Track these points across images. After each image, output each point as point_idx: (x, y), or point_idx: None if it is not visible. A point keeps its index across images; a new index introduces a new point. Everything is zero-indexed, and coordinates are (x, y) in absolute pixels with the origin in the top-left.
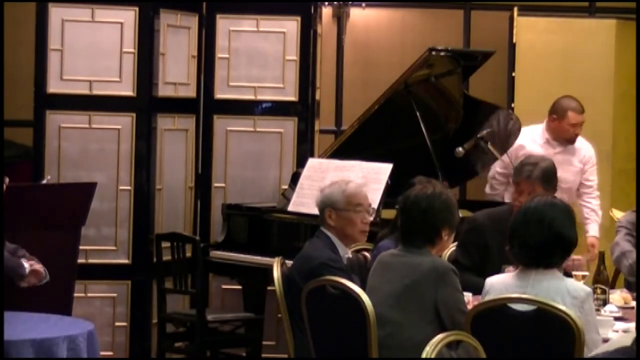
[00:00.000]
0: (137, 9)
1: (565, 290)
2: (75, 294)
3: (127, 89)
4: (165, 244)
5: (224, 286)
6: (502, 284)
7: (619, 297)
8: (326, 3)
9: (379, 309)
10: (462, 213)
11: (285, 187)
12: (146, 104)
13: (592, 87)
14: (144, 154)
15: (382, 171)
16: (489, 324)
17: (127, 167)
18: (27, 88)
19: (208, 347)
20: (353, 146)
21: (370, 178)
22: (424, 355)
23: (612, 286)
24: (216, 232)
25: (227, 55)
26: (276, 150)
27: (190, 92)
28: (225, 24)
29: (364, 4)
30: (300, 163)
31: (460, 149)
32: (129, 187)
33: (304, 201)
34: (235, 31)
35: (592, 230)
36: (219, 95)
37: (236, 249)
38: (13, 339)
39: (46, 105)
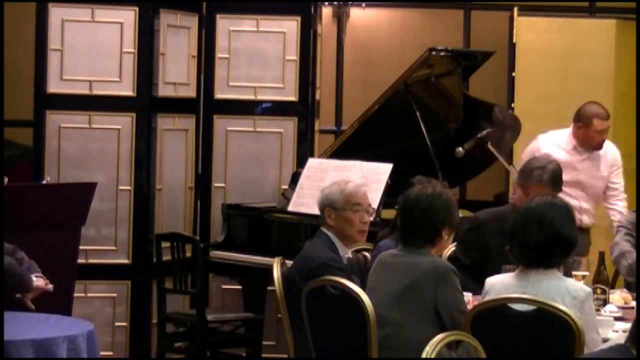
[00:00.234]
0: (137, 9)
1: (565, 290)
2: (75, 294)
3: (127, 89)
4: (165, 244)
5: (224, 286)
6: (502, 284)
7: (619, 297)
8: (326, 3)
9: (379, 309)
10: (462, 213)
11: (285, 187)
12: (146, 104)
13: (592, 87)
14: (144, 154)
15: (382, 171)
16: (489, 324)
17: (127, 167)
18: (27, 88)
19: (208, 347)
20: (353, 146)
21: (370, 178)
22: (424, 355)
23: (612, 286)
24: (216, 232)
25: (227, 55)
26: (276, 150)
27: (190, 92)
28: (225, 24)
29: (364, 4)
30: (300, 163)
31: (460, 149)
32: (129, 187)
33: (304, 201)
34: (235, 31)
35: None
36: (219, 95)
37: (236, 249)
38: (13, 339)
39: (46, 105)
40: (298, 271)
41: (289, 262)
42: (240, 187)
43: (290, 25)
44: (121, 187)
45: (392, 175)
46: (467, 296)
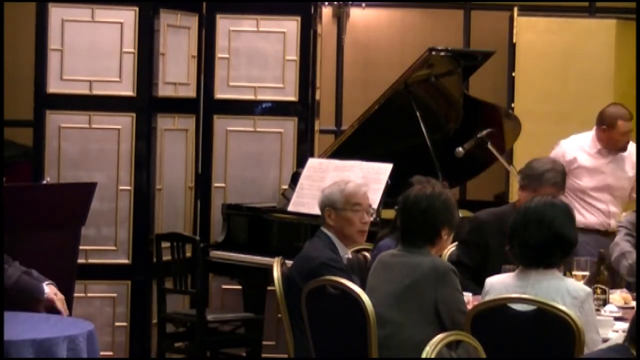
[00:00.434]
0: (137, 9)
1: (565, 290)
2: (75, 294)
3: (127, 89)
4: (165, 244)
5: (224, 286)
6: (502, 284)
7: (619, 297)
8: (326, 3)
9: (379, 309)
10: (462, 213)
11: (285, 187)
12: (146, 104)
13: (592, 87)
14: (144, 154)
15: (382, 171)
16: (489, 324)
17: (127, 167)
18: (27, 88)
19: (208, 347)
20: (353, 146)
21: (370, 178)
22: (424, 355)
23: (612, 286)
24: (216, 232)
25: (227, 55)
26: (276, 150)
27: (190, 92)
28: (225, 24)
29: (364, 4)
30: (300, 163)
31: (460, 149)
32: (129, 187)
33: (304, 201)
34: (235, 31)
35: None
36: (219, 95)
37: (236, 249)
38: (13, 339)
39: (46, 105)
40: (298, 271)
41: (289, 262)
42: (240, 187)
43: (290, 25)
44: (121, 187)
45: (392, 175)
46: (467, 296)
